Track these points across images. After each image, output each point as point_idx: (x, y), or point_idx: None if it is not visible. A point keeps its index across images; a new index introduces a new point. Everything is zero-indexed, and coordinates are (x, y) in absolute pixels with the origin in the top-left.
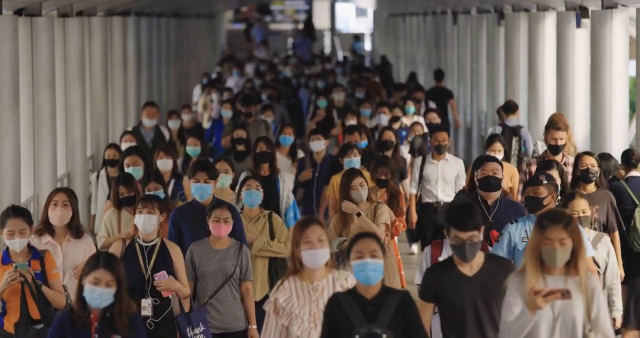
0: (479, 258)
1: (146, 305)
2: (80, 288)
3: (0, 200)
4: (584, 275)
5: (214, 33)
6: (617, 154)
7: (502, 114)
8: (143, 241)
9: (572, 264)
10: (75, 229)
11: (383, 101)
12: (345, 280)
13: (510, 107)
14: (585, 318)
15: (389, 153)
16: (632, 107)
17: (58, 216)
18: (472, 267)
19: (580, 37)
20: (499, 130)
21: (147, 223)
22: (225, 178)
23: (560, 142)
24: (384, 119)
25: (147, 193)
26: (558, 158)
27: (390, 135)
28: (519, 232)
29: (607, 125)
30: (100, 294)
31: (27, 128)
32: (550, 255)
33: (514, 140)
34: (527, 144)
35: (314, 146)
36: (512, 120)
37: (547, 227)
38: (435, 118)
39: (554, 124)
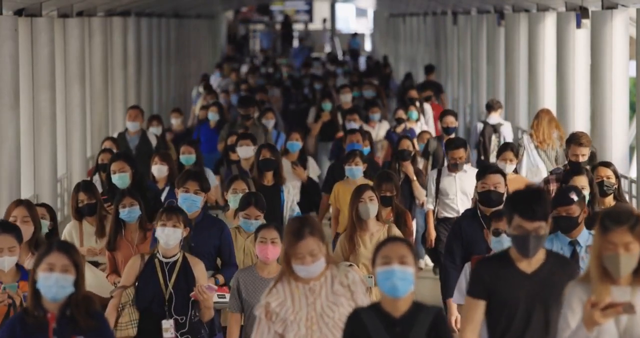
0: (539, 254)
1: (168, 327)
2: (34, 284)
3: (0, 201)
4: None
5: (214, 33)
6: (617, 154)
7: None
8: (163, 257)
9: None
10: (37, 246)
11: (352, 108)
12: (346, 277)
13: (491, 105)
14: None
15: (406, 164)
16: (632, 107)
17: None
18: (531, 263)
19: (580, 38)
20: (480, 126)
21: (170, 237)
22: None
23: (582, 159)
24: (354, 126)
25: (121, 210)
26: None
27: (407, 144)
28: None
29: (607, 125)
30: (56, 280)
31: (27, 128)
32: (613, 262)
33: (494, 137)
34: (506, 141)
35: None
36: (493, 118)
37: (610, 229)
38: (453, 122)
39: (577, 139)
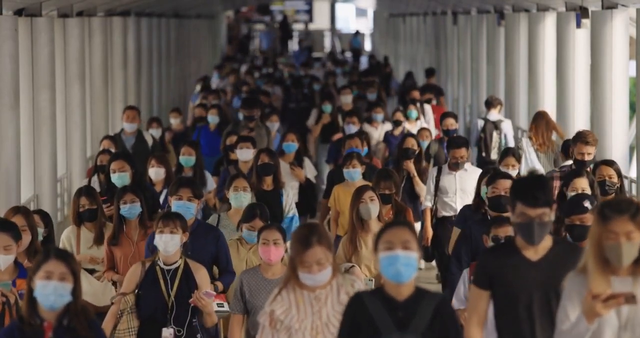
0: (546, 241)
1: (167, 336)
2: (30, 292)
3: (0, 200)
4: None
5: (214, 33)
6: (617, 154)
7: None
8: (164, 264)
9: None
10: (34, 253)
11: (352, 110)
12: (352, 286)
13: (490, 102)
14: None
15: (408, 162)
16: (632, 107)
17: None
18: (537, 250)
19: (580, 38)
20: (480, 123)
21: (169, 244)
22: (245, 197)
23: (587, 157)
24: (353, 129)
25: (122, 206)
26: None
27: (412, 143)
28: None
29: (607, 125)
30: (54, 288)
31: (27, 128)
32: (614, 252)
33: (495, 134)
34: (507, 138)
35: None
36: (493, 114)
37: (610, 218)
38: (453, 124)
39: (583, 138)
